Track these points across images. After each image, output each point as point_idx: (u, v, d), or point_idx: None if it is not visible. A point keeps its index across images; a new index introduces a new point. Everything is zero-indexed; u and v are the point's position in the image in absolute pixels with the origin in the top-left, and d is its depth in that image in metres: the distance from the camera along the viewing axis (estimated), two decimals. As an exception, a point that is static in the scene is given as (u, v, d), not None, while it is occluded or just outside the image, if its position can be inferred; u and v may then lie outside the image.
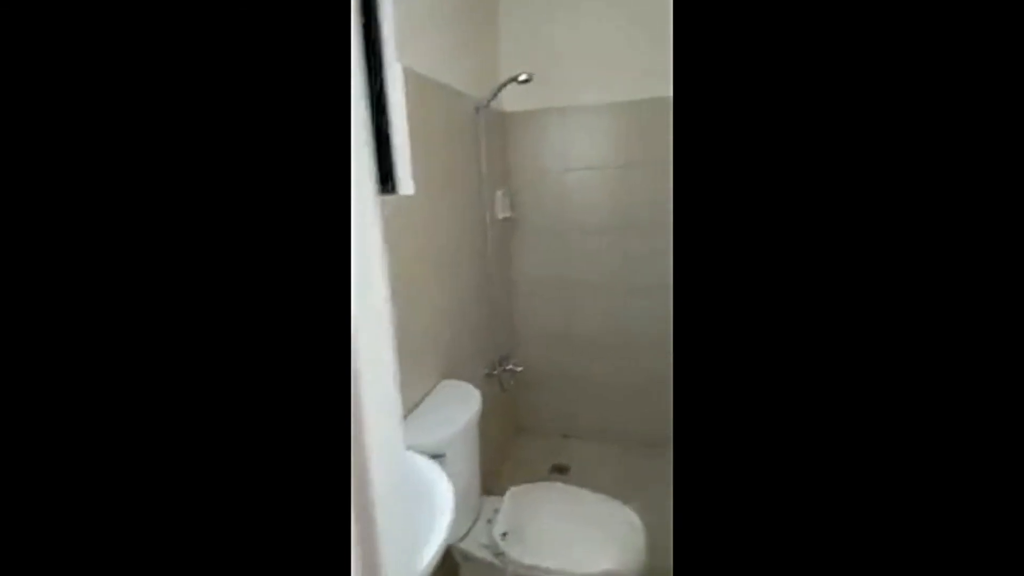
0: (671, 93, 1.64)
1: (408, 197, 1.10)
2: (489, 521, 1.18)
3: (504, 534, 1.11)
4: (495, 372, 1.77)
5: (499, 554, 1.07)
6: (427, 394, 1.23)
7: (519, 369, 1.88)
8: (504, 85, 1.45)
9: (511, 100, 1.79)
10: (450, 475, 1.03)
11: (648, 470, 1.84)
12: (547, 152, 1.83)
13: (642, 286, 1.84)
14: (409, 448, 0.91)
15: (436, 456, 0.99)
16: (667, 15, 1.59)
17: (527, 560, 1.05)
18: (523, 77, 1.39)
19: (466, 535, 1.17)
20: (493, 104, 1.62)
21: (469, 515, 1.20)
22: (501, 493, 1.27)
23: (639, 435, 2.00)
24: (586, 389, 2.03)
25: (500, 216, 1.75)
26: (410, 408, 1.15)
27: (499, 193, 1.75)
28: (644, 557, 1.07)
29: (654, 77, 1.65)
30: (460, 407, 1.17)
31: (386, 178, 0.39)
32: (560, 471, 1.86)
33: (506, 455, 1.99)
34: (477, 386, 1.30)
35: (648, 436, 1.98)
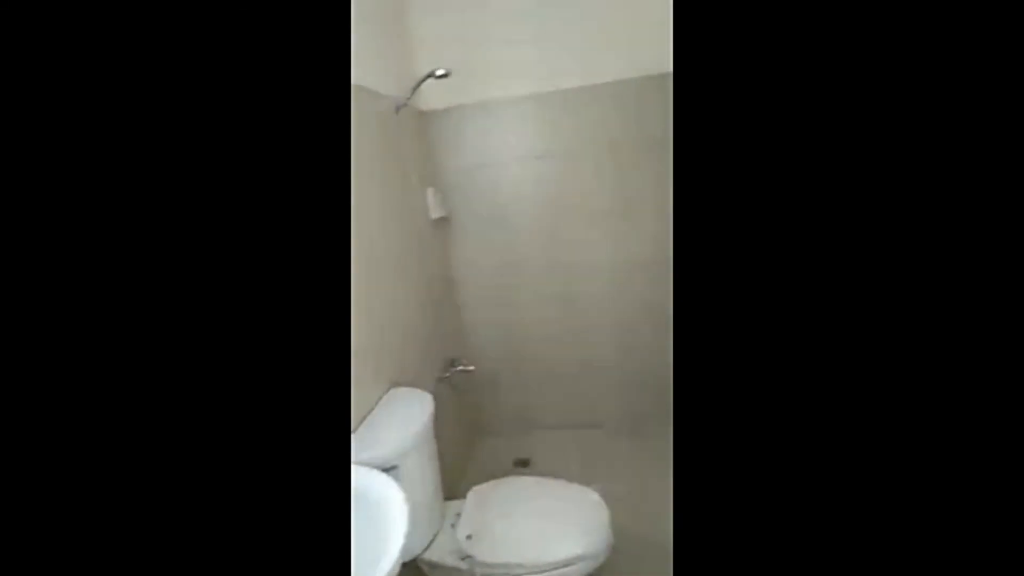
0: (593, 81, 1.67)
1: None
2: (453, 525, 1.16)
3: (469, 536, 1.09)
4: (447, 375, 1.74)
5: (466, 557, 1.06)
6: (375, 405, 1.19)
7: (471, 368, 1.86)
8: (422, 81, 1.42)
9: (432, 97, 1.76)
10: (406, 486, 0.99)
11: (607, 450, 1.88)
12: (475, 147, 1.81)
13: (583, 273, 1.88)
14: (358, 463, 0.87)
15: (388, 469, 0.95)
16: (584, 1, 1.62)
17: (494, 559, 1.03)
18: (440, 72, 1.36)
19: (431, 544, 1.14)
20: (413, 102, 1.58)
21: (432, 523, 1.17)
22: (465, 496, 1.25)
23: (595, 418, 2.04)
24: (539, 380, 2.04)
25: (434, 216, 1.72)
26: (358, 422, 1.11)
27: (430, 192, 1.71)
28: (609, 534, 1.09)
29: (576, 65, 1.68)
30: (411, 414, 1.14)
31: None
32: (522, 465, 1.86)
33: (468, 457, 1.97)
34: (430, 391, 1.27)
35: (604, 418, 2.03)
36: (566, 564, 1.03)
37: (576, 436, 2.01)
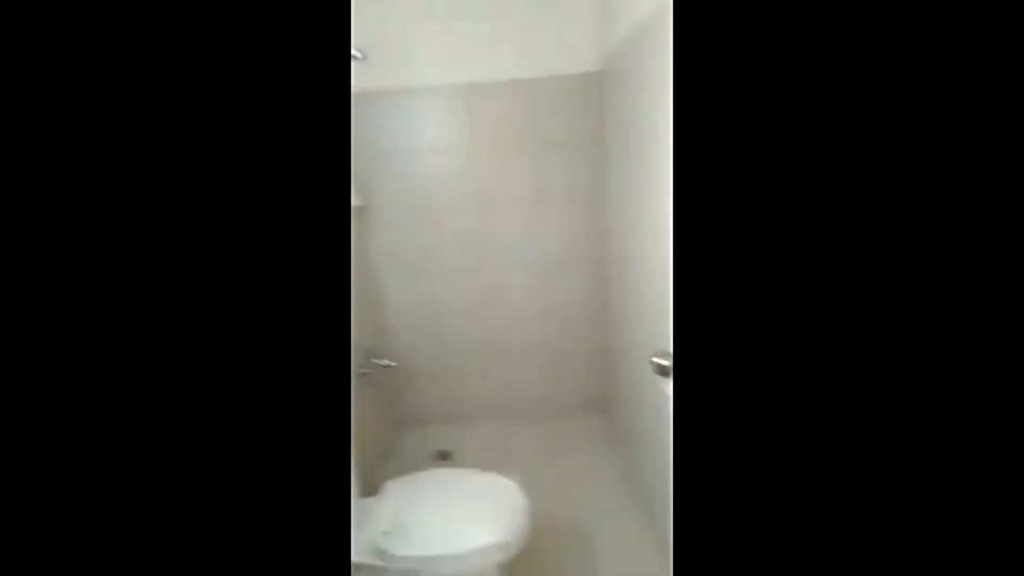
0: (519, 75, 1.68)
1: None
2: (369, 523, 1.13)
3: (385, 532, 1.07)
4: (366, 371, 1.68)
5: (382, 554, 1.03)
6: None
7: (393, 364, 1.81)
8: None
9: (353, 79, 1.67)
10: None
11: (530, 441, 1.93)
12: (395, 133, 1.76)
13: (506, 264, 1.89)
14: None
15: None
16: (499, -4, 1.62)
17: (410, 553, 1.02)
18: (355, 53, 1.30)
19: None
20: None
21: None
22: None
23: (518, 410, 2.08)
24: (462, 372, 2.04)
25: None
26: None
27: (347, 180, 1.64)
28: (526, 521, 1.12)
29: (502, 59, 1.68)
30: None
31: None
32: (443, 458, 1.86)
33: (389, 452, 1.93)
34: (342, 387, 1.22)
35: (527, 409, 2.07)
36: (482, 553, 1.04)
37: (499, 428, 2.03)
